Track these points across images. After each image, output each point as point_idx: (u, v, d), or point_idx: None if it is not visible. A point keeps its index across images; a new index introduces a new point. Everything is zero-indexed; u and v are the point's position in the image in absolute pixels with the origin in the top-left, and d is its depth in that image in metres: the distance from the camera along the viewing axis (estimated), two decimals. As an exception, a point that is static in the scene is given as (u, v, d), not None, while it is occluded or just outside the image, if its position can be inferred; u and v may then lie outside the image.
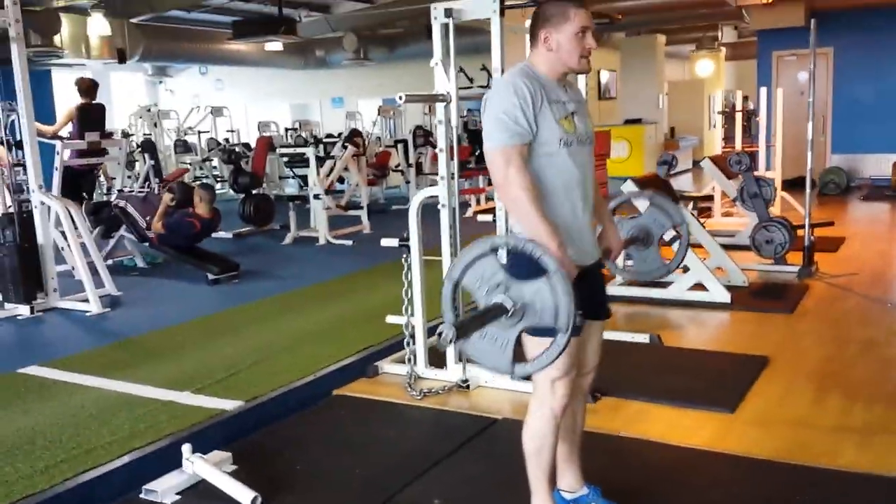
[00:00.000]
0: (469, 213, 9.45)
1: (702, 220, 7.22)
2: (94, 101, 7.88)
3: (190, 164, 12.95)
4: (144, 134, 13.86)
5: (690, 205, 8.07)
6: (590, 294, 2.43)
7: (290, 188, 12.71)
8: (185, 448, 3.09)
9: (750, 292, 5.77)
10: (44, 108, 12.20)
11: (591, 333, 2.53)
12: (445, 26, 3.69)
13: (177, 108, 16.36)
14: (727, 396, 3.72)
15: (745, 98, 14.24)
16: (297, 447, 3.43)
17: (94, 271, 5.95)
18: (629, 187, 5.59)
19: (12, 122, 5.87)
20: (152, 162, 9.76)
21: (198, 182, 7.27)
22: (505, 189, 2.26)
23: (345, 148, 8.69)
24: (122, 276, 6.87)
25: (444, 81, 3.74)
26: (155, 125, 14.13)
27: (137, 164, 11.41)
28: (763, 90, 9.24)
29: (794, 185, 10.10)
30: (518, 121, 2.25)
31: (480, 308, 2.16)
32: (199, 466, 3.05)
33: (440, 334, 1.97)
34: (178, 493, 3.01)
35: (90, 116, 7.66)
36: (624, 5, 11.54)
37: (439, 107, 3.81)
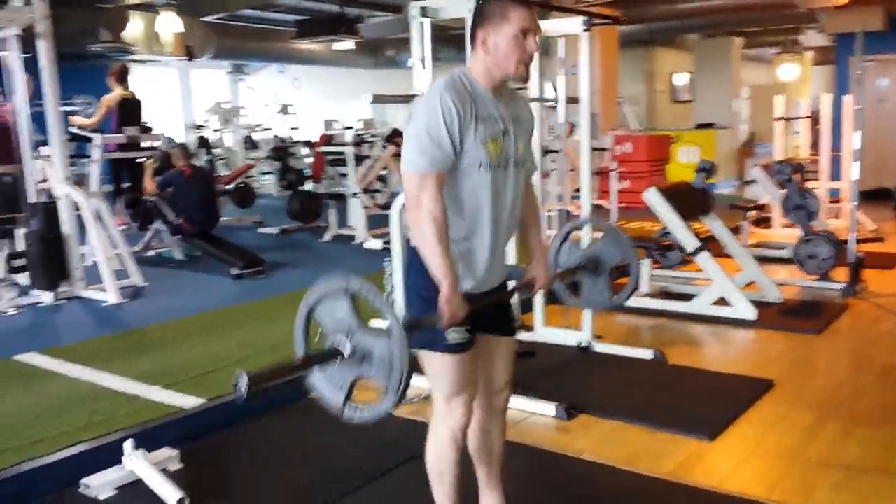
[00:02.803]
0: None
1: (739, 233, 6.86)
2: (131, 97, 8.11)
3: (254, 160, 13.19)
4: (214, 130, 14.24)
5: (743, 214, 7.68)
6: (493, 311, 2.30)
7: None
8: (127, 444, 3.06)
9: (782, 310, 5.41)
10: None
11: (497, 351, 2.36)
12: (421, 25, 3.58)
13: (256, 105, 16.73)
14: (710, 422, 3.46)
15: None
16: (252, 450, 3.37)
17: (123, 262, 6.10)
18: (651, 195, 5.34)
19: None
20: (208, 157, 10.03)
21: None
22: (414, 213, 2.09)
23: (385, 147, 8.63)
24: (157, 267, 7.02)
25: (421, 81, 3.63)
26: (227, 121, 14.50)
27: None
28: (825, 97, 8.69)
29: (872, 196, 9.51)
30: (442, 145, 2.06)
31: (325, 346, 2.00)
32: (135, 463, 3.02)
33: (235, 385, 1.79)
34: (116, 489, 2.99)
35: (129, 111, 7.84)
36: (691, 6, 11.12)
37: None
